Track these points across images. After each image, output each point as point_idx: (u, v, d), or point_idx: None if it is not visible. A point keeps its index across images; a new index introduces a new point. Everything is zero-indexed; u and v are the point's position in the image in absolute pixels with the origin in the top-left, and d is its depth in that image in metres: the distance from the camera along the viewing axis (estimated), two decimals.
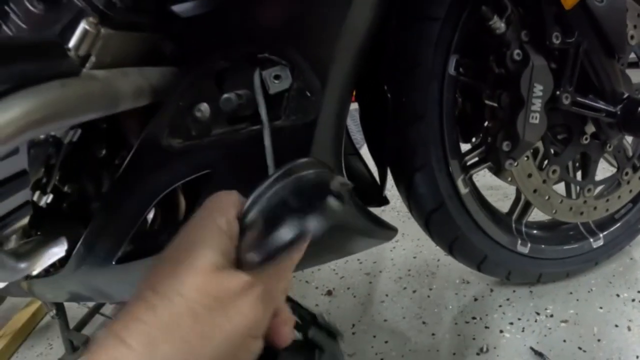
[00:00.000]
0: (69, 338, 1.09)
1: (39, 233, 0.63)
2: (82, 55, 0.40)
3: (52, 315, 1.10)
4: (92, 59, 0.41)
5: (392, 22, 0.69)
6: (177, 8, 0.41)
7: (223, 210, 0.32)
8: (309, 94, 0.44)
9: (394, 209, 1.28)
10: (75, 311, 1.17)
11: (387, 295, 0.98)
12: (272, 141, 0.44)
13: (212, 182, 0.49)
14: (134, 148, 0.47)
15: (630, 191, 0.93)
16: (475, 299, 0.93)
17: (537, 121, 0.69)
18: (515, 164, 0.73)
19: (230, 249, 0.30)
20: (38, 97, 0.31)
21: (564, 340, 0.79)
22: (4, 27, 0.53)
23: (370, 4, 0.48)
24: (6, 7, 0.51)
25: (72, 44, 0.40)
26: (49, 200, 0.64)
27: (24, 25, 0.50)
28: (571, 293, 0.91)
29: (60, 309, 1.09)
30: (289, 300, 0.43)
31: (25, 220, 0.57)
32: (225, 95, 0.41)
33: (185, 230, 0.31)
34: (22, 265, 0.53)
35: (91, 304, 1.20)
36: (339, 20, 0.45)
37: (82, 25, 0.38)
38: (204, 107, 0.43)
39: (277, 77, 0.43)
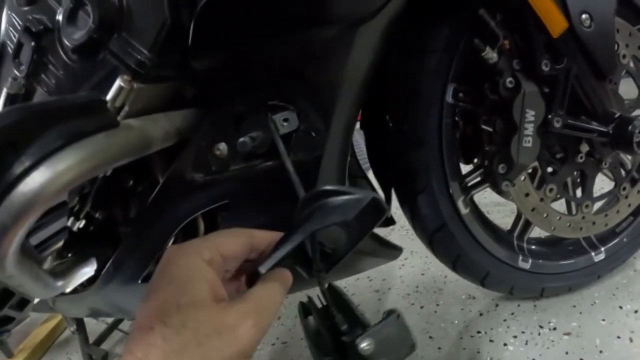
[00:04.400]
0: (89, 352, 1.14)
1: (70, 255, 0.69)
2: (117, 106, 0.46)
3: (72, 330, 1.16)
4: (126, 108, 0.47)
5: (393, 56, 0.75)
6: (197, 62, 0.47)
7: (211, 247, 0.39)
8: (314, 134, 0.49)
9: (403, 227, 1.32)
10: (93, 327, 1.22)
11: None
12: (282, 175, 0.49)
13: (230, 211, 0.54)
14: (161, 181, 0.52)
15: (629, 205, 0.96)
16: (481, 314, 0.96)
17: (530, 145, 0.73)
18: (512, 185, 0.77)
19: (217, 280, 0.38)
20: (87, 149, 0.37)
21: (566, 353, 0.82)
22: (44, 77, 0.59)
23: (368, 51, 0.54)
24: (45, 59, 0.58)
25: (109, 97, 0.46)
26: (81, 225, 0.70)
27: (61, 77, 0.57)
28: (574, 306, 0.94)
29: (80, 324, 1.14)
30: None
31: (60, 243, 0.63)
32: (241, 139, 0.47)
33: (176, 263, 0.38)
34: (59, 283, 0.59)
35: (109, 320, 1.25)
36: (340, 67, 0.50)
37: (118, 83, 0.45)
38: (222, 146, 0.49)
39: (285, 119, 0.49)
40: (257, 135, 0.48)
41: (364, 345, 0.47)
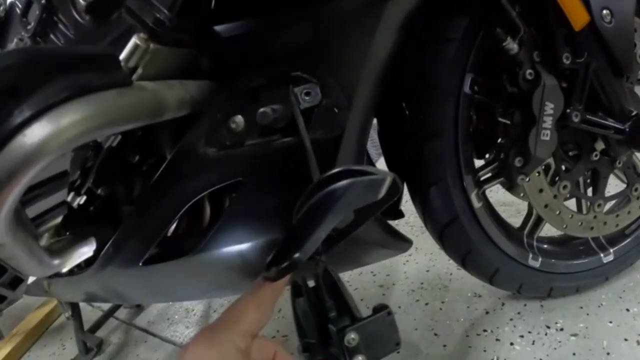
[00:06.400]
0: (83, 339, 1.11)
1: (68, 233, 0.65)
2: (131, 67, 0.44)
3: (67, 316, 1.12)
4: (139, 70, 0.44)
5: (411, 43, 0.72)
6: (218, 28, 0.45)
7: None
8: (336, 110, 0.47)
9: (408, 223, 1.30)
10: (89, 314, 1.19)
11: (399, 307, 1.00)
12: (300, 152, 0.47)
13: (243, 189, 0.52)
14: (171, 155, 0.50)
15: None
16: (487, 312, 0.94)
17: (548, 138, 0.72)
18: (527, 179, 0.76)
19: None
20: (96, 105, 0.34)
21: (574, 354, 0.81)
22: (52, 37, 0.56)
23: (393, 30, 0.51)
24: (55, 18, 0.55)
25: (122, 56, 0.43)
26: (81, 202, 0.67)
27: (71, 36, 0.54)
28: (582, 307, 0.93)
29: (75, 310, 1.11)
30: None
31: (58, 220, 0.60)
32: (262, 109, 0.44)
33: None
34: (56, 262, 0.55)
35: (106, 307, 1.22)
36: (366, 45, 0.48)
37: (134, 40, 0.42)
38: (239, 119, 0.47)
39: (307, 93, 0.46)
40: (277, 107, 0.45)
41: (350, 337, 0.47)
